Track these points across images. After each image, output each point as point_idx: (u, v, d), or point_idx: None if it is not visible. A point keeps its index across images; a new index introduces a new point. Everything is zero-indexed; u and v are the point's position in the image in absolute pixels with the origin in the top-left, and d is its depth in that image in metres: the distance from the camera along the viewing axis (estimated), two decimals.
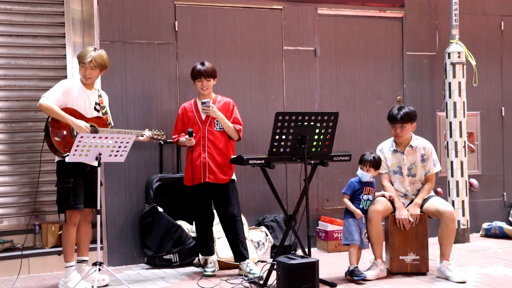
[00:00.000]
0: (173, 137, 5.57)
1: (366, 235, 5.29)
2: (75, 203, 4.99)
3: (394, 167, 5.49)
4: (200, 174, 5.40)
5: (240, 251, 5.46)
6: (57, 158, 5.03)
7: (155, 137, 5.44)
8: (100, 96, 5.22)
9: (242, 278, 5.27)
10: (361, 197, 5.30)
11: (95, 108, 5.14)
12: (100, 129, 5.06)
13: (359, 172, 5.31)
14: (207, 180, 5.40)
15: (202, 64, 5.50)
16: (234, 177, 5.51)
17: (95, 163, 4.87)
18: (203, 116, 5.44)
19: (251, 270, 5.36)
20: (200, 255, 5.77)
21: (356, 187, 5.33)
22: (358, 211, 5.25)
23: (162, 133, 5.52)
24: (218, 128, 5.43)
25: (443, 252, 5.30)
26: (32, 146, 5.89)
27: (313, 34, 6.73)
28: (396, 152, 5.49)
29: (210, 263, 5.56)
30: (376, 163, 5.32)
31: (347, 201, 5.32)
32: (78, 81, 5.13)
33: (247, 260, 5.45)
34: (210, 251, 5.58)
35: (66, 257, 5.08)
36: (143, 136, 5.30)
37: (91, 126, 5.01)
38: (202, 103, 5.37)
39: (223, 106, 5.51)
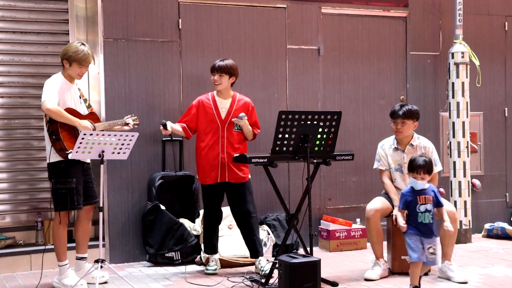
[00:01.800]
0: (182, 124, 5.52)
1: (432, 250, 4.69)
2: (78, 203, 4.98)
3: (395, 165, 5.49)
4: (217, 173, 5.40)
5: (255, 248, 5.48)
6: (54, 159, 4.93)
7: (135, 122, 5.43)
8: (79, 89, 5.18)
9: (244, 277, 5.27)
10: (417, 210, 4.69)
11: (79, 102, 5.09)
12: (96, 125, 5.05)
13: (412, 181, 4.75)
14: (226, 180, 5.39)
15: (222, 60, 5.48)
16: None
17: (88, 160, 4.87)
18: (223, 115, 5.42)
19: (262, 267, 5.36)
20: (202, 253, 5.77)
21: (408, 198, 4.73)
22: (402, 225, 4.72)
23: (135, 117, 5.48)
24: (236, 129, 5.43)
25: (445, 252, 5.30)
26: (33, 143, 5.89)
27: (316, 33, 6.72)
28: (397, 150, 5.48)
29: (212, 261, 5.56)
30: (429, 167, 4.73)
31: (397, 214, 4.81)
32: (62, 77, 5.03)
33: (260, 257, 5.46)
34: (214, 249, 5.59)
35: (59, 256, 5.05)
36: (128, 125, 5.30)
37: (91, 123, 5.00)
38: (238, 117, 5.34)
39: (243, 106, 5.49)
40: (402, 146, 5.48)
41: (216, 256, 5.62)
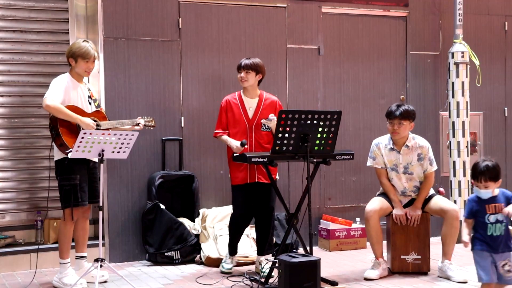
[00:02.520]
0: (216, 131, 5.41)
1: (508, 267, 4.01)
2: (82, 200, 4.99)
3: (391, 164, 5.48)
4: (246, 174, 5.34)
5: (265, 246, 5.41)
6: (59, 157, 4.99)
7: (147, 124, 5.42)
8: (89, 89, 5.20)
9: (243, 276, 5.27)
10: (486, 220, 3.99)
11: (88, 102, 5.12)
12: (102, 123, 5.06)
13: (476, 190, 4.08)
14: (256, 180, 5.33)
15: (248, 58, 5.41)
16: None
17: (96, 159, 4.89)
18: (250, 114, 5.36)
19: (262, 268, 5.34)
20: (202, 252, 5.77)
21: (475, 207, 4.05)
22: (466, 240, 4.03)
23: (151, 119, 5.47)
24: (264, 128, 5.37)
25: (446, 251, 5.30)
26: (34, 141, 5.90)
27: (317, 32, 6.72)
28: (392, 150, 5.47)
29: (229, 258, 5.55)
30: (494, 172, 4.02)
31: (463, 227, 4.11)
32: (69, 77, 5.07)
33: (263, 256, 5.44)
34: (235, 250, 5.56)
35: (62, 253, 5.07)
36: (138, 125, 5.29)
37: (94, 121, 5.01)
38: (268, 119, 5.24)
39: (270, 104, 5.42)
40: (397, 147, 5.45)
41: (235, 256, 5.61)
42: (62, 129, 4.87)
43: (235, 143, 5.22)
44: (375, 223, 5.31)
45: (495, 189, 4.03)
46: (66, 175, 4.96)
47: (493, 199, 4.01)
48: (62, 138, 4.85)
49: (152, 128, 5.52)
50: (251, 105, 5.39)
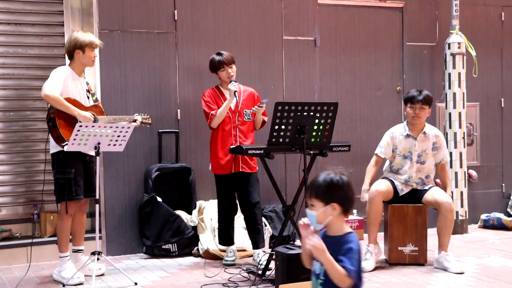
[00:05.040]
0: (211, 113, 5.40)
1: None
2: (77, 194, 4.97)
3: (405, 152, 5.48)
4: (231, 164, 5.41)
5: (258, 239, 5.49)
6: (55, 150, 4.97)
7: (144, 121, 5.40)
8: (87, 83, 5.18)
9: (241, 268, 5.27)
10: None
11: (86, 96, 5.10)
12: (99, 117, 5.05)
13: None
14: (240, 169, 5.41)
15: (219, 54, 5.48)
16: None
17: (93, 153, 4.87)
18: (232, 106, 5.43)
19: (259, 259, 5.35)
20: (199, 244, 5.77)
21: None
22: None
23: (147, 116, 5.46)
24: (246, 118, 5.47)
25: (441, 243, 5.31)
26: (30, 135, 5.88)
27: (313, 24, 6.70)
28: (408, 137, 5.48)
29: (230, 252, 5.56)
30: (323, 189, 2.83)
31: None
32: (70, 69, 5.05)
33: (259, 249, 5.47)
34: (231, 241, 5.59)
35: (61, 247, 5.06)
36: (135, 122, 5.28)
37: (92, 115, 4.99)
38: (262, 102, 5.34)
39: (248, 96, 5.53)
40: (414, 133, 5.47)
41: (233, 247, 5.62)
42: (59, 121, 4.83)
43: (232, 100, 5.34)
44: (378, 204, 5.32)
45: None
46: (61, 168, 4.94)
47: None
48: (59, 130, 4.82)
49: (148, 126, 5.50)
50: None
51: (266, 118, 5.56)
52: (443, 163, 5.55)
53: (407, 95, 5.50)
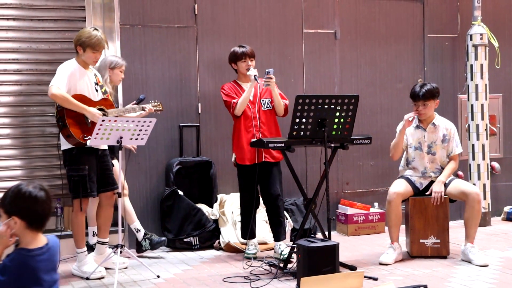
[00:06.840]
0: (233, 101, 5.43)
1: None
2: (91, 191, 4.96)
3: (415, 143, 5.47)
4: (255, 154, 5.41)
5: (280, 231, 5.49)
6: (66, 146, 4.93)
7: (155, 108, 5.41)
8: (95, 75, 5.13)
9: (262, 261, 5.28)
10: None
11: (95, 89, 5.05)
12: (109, 111, 5.01)
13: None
14: (263, 159, 5.41)
15: (242, 46, 5.54)
16: None
17: (105, 146, 4.88)
18: (251, 97, 5.45)
19: (282, 251, 5.37)
20: (221, 237, 5.80)
21: None
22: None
23: (158, 103, 5.47)
24: (265, 107, 5.48)
25: (468, 234, 5.27)
26: (49, 130, 5.90)
27: (333, 16, 6.67)
28: (418, 128, 5.47)
29: (251, 245, 5.58)
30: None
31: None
32: (76, 63, 4.97)
33: (280, 242, 5.48)
34: (253, 234, 5.60)
35: (77, 243, 5.06)
36: (145, 110, 5.29)
37: (101, 109, 4.94)
38: (267, 72, 5.33)
39: (265, 88, 5.50)
40: (424, 125, 5.47)
41: (255, 240, 5.63)
42: (69, 120, 4.80)
43: (253, 87, 5.37)
44: (396, 206, 5.30)
45: None
46: (74, 165, 4.90)
47: None
48: (69, 129, 4.78)
49: (159, 112, 5.50)
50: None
51: (287, 102, 5.52)
52: (454, 156, 5.48)
53: (411, 91, 5.47)
